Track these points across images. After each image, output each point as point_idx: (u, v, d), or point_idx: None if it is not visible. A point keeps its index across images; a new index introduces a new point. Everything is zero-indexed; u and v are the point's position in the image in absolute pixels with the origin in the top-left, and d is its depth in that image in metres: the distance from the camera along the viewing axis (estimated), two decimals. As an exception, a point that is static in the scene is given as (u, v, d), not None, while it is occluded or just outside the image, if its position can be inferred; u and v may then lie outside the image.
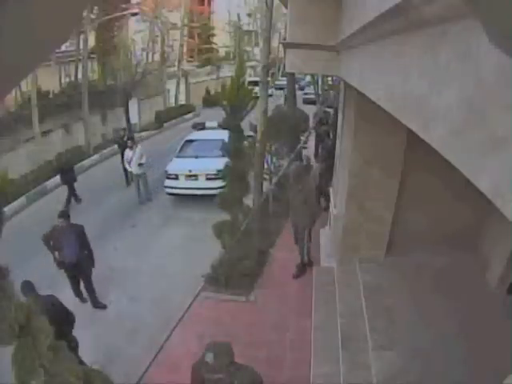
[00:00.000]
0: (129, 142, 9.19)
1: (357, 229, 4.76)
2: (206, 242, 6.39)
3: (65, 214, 5.08)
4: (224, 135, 6.64)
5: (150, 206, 8.92)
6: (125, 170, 9.58)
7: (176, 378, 4.05)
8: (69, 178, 8.87)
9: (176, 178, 8.50)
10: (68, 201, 8.84)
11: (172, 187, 8.58)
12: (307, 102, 20.84)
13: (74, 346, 3.70)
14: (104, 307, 5.36)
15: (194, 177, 8.30)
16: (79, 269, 5.16)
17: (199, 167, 8.31)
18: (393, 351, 3.35)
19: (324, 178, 7.65)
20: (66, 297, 5.05)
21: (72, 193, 8.95)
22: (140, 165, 8.76)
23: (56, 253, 5.04)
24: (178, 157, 9.21)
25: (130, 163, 8.91)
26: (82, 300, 5.42)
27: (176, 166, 8.69)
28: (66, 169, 8.90)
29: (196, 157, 8.74)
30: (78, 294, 5.41)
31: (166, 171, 8.78)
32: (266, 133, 6.67)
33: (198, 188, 8.12)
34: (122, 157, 9.44)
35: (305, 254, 5.76)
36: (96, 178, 10.91)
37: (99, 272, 6.10)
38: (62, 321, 3.50)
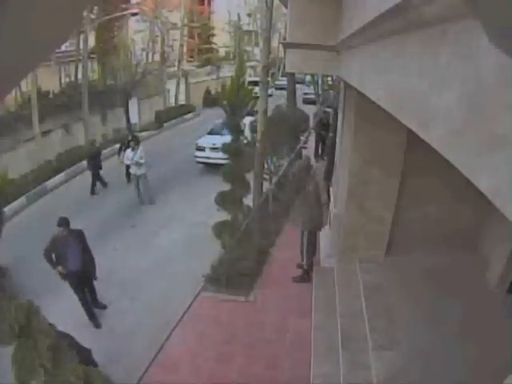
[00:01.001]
0: (131, 142, 9.14)
1: (357, 229, 4.77)
2: (205, 242, 6.40)
3: (65, 222, 4.72)
4: (246, 120, 8.54)
5: (149, 206, 8.92)
6: (127, 167, 9.75)
7: (176, 377, 4.06)
8: (96, 162, 9.75)
9: (203, 149, 10.94)
10: (93, 185, 9.73)
11: (200, 157, 11.07)
12: (307, 102, 20.82)
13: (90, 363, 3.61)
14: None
15: (217, 149, 9.92)
16: (84, 275, 4.92)
17: (221, 141, 9.61)
18: (393, 351, 3.35)
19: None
20: (68, 299, 5.05)
21: (97, 178, 9.81)
22: (139, 165, 8.72)
23: (59, 267, 4.68)
24: (208, 134, 11.58)
25: (131, 163, 8.88)
26: (96, 325, 4.99)
27: (204, 140, 11.14)
28: (93, 155, 9.84)
29: (221, 135, 10.36)
30: (89, 310, 5.01)
31: (196, 144, 11.17)
32: (265, 133, 6.67)
33: (219, 158, 9.50)
34: (119, 154, 10.30)
35: (304, 257, 5.61)
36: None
37: (99, 272, 6.10)
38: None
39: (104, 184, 10.02)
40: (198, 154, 11.12)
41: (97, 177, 9.80)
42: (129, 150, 9.06)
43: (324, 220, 5.63)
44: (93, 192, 9.74)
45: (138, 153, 8.79)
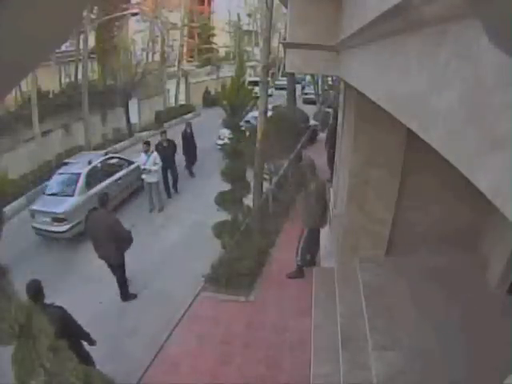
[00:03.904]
0: (144, 145, 8.51)
1: (357, 229, 4.76)
2: (205, 242, 6.40)
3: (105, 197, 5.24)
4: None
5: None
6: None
7: (176, 378, 4.06)
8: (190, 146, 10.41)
9: (223, 139, 10.91)
10: (189, 168, 10.60)
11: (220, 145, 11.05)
12: (307, 101, 20.84)
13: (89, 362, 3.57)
14: (135, 297, 5.65)
15: None
16: None
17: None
18: (393, 351, 3.35)
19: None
20: (67, 297, 5.06)
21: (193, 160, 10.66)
22: (150, 172, 8.22)
23: None
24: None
25: (143, 169, 8.31)
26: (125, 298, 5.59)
27: (224, 131, 10.88)
28: (187, 135, 10.41)
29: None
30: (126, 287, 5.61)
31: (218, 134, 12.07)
32: (266, 133, 6.67)
33: None
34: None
35: (299, 255, 5.61)
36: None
37: (99, 272, 6.09)
38: (71, 335, 3.32)
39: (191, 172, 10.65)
40: (219, 141, 11.73)
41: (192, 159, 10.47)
42: (143, 154, 8.43)
43: (326, 219, 5.62)
44: (191, 174, 10.53)
45: (151, 159, 8.22)
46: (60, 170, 8.19)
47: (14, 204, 8.80)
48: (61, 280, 5.85)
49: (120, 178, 8.61)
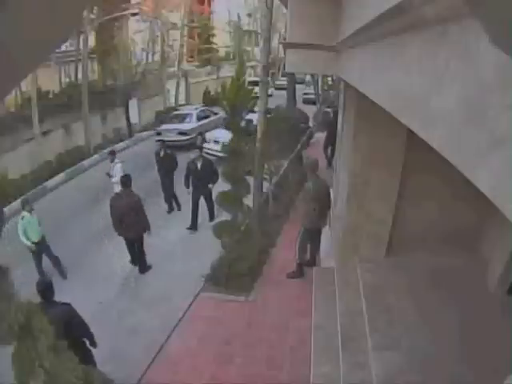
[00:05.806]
0: (109, 155, 8.12)
1: (357, 229, 4.76)
2: (205, 242, 6.39)
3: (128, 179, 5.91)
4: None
5: (149, 207, 8.88)
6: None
7: (176, 377, 4.06)
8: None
9: (208, 142, 12.59)
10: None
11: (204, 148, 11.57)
12: (307, 101, 20.82)
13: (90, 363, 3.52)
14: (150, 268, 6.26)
15: (218, 142, 12.34)
16: None
17: (224, 135, 11.00)
18: (393, 351, 3.35)
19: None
20: (68, 297, 5.06)
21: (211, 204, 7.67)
22: (114, 183, 7.63)
23: None
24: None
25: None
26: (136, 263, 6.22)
27: (211, 134, 13.13)
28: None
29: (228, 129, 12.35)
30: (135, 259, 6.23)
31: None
32: (266, 133, 6.67)
33: (216, 150, 11.48)
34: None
35: (296, 253, 5.64)
36: (96, 178, 10.90)
37: (99, 272, 6.11)
38: (76, 331, 3.38)
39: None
40: (205, 145, 11.41)
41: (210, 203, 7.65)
42: (112, 165, 8.04)
43: (325, 219, 5.59)
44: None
45: (115, 169, 7.84)
46: (174, 113, 15.51)
47: (14, 204, 8.79)
48: (61, 280, 5.85)
49: (210, 121, 14.49)
